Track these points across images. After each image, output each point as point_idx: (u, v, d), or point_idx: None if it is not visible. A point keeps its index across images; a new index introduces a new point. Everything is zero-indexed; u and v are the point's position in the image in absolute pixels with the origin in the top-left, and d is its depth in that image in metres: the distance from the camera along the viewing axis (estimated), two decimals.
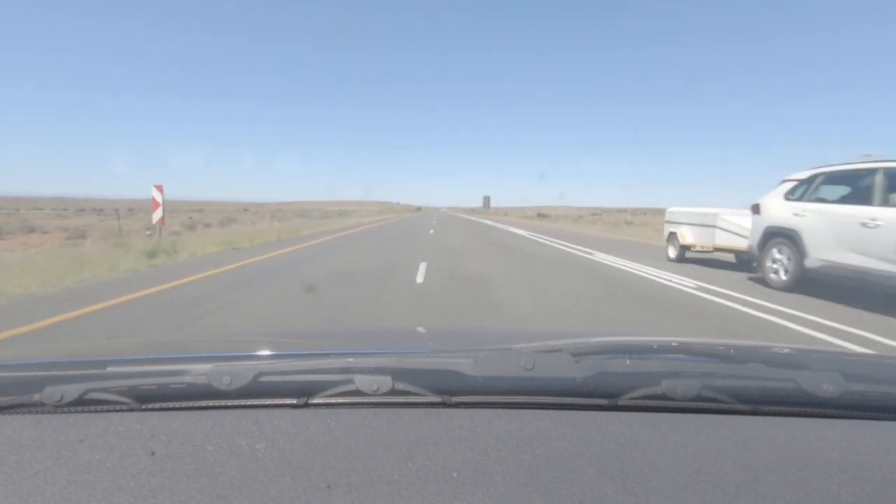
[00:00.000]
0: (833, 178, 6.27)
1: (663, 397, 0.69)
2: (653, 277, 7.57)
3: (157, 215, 10.33)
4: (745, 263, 8.51)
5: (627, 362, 0.75)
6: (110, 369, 0.70)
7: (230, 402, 0.67)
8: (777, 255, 6.65)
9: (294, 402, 0.67)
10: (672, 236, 10.10)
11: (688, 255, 9.85)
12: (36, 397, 0.65)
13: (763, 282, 6.91)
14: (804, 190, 6.53)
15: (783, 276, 6.52)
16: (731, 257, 9.66)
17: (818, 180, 6.39)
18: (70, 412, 0.65)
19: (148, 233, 11.98)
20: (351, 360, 0.73)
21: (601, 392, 0.69)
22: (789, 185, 6.76)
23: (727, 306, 5.47)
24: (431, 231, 21.58)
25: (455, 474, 0.51)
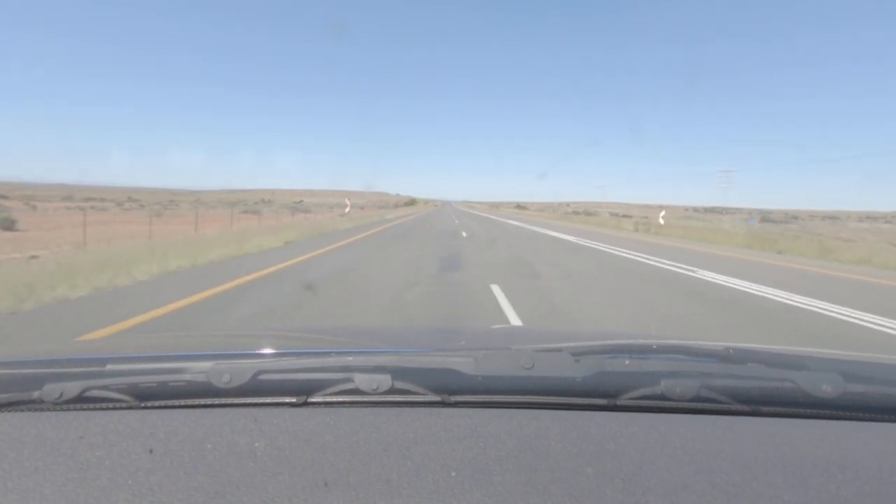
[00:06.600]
0: None
1: (662, 397, 0.69)
2: None
3: None
4: None
5: (627, 362, 0.75)
6: (110, 367, 0.69)
7: (229, 401, 0.67)
8: None
9: (293, 400, 0.67)
10: None
11: None
12: (35, 394, 0.65)
13: None
14: None
15: None
16: None
17: None
18: (69, 410, 0.64)
19: None
20: (350, 358, 0.72)
21: (600, 392, 0.69)
22: None
23: None
24: None
25: (454, 473, 0.51)
